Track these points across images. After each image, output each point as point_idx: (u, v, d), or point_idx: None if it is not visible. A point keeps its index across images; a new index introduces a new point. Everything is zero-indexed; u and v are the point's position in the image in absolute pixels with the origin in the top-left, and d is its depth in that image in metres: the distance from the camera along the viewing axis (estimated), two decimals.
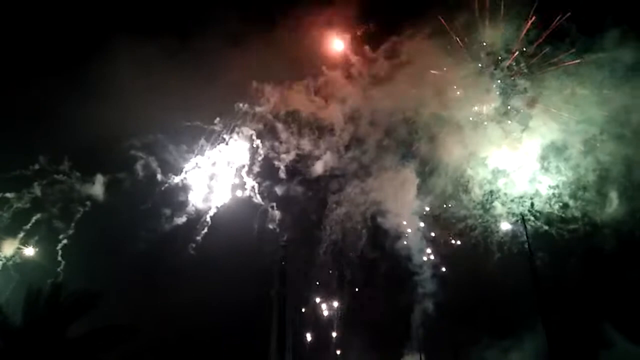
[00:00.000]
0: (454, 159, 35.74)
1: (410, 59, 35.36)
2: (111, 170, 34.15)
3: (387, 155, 37.02)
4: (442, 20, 35.35)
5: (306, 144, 37.06)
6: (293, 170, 37.06)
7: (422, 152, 36.55)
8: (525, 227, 19.94)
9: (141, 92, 34.50)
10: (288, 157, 37.00)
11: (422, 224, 37.41)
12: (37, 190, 33.03)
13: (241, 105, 36.53)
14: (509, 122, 34.81)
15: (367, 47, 36.58)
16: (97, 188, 33.68)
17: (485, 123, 35.27)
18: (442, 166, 36.05)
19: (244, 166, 36.61)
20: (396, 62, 35.67)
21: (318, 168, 36.90)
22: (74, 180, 33.64)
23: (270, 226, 35.97)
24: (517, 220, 25.26)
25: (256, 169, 36.90)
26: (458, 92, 36.31)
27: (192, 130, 35.59)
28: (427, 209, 37.64)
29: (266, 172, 36.92)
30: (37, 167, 33.21)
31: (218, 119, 36.31)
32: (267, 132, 37.19)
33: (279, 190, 36.89)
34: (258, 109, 36.73)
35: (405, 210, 37.26)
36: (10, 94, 33.78)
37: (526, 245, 31.10)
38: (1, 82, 33.43)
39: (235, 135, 36.74)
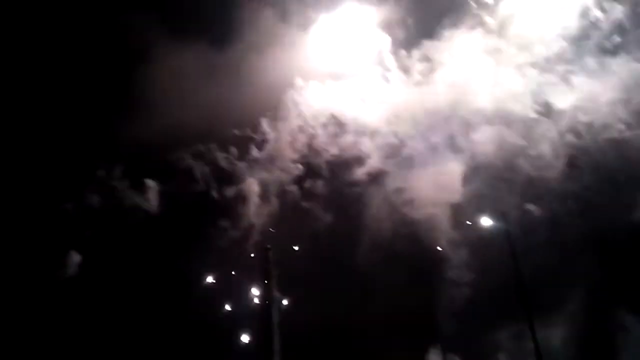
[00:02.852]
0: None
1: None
2: (163, 180, 35.03)
3: (428, 149, 37.32)
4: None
5: (347, 143, 37.55)
6: (335, 170, 37.68)
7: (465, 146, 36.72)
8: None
9: (184, 101, 34.96)
10: (329, 156, 37.58)
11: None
12: (93, 201, 34.03)
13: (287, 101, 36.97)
14: None
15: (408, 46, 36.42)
16: (151, 198, 34.58)
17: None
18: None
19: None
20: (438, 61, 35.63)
21: (359, 167, 37.38)
22: (128, 191, 34.59)
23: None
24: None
25: (299, 167, 37.67)
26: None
27: (240, 138, 36.09)
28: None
29: (308, 171, 37.65)
30: (91, 177, 34.20)
31: (264, 120, 36.90)
32: (309, 131, 37.68)
33: (320, 189, 37.77)
34: (301, 108, 37.06)
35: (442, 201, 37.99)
36: (59, 103, 34.45)
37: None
38: (52, 93, 34.02)
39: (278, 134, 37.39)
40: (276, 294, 35.18)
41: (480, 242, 35.73)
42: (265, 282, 35.25)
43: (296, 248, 35.14)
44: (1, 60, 34.83)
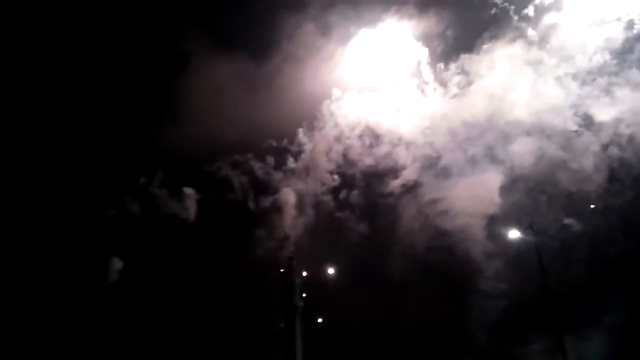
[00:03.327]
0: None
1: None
2: (201, 189, 35.68)
3: (465, 160, 37.17)
4: None
5: (383, 154, 37.65)
6: (370, 180, 37.85)
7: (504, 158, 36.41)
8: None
9: (223, 111, 35.56)
10: (365, 167, 37.74)
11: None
12: (134, 208, 34.85)
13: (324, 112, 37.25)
14: None
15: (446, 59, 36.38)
16: (190, 207, 35.25)
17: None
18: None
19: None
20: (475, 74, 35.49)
21: (394, 178, 37.45)
22: (167, 199, 35.33)
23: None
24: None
25: (334, 178, 37.93)
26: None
27: (277, 148, 36.58)
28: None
29: (343, 182, 37.86)
30: (133, 185, 35.05)
31: (300, 131, 37.23)
32: (345, 141, 37.90)
33: (355, 199, 37.95)
34: (337, 119, 37.35)
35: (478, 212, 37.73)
36: (102, 112, 35.47)
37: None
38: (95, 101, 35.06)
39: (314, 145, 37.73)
40: (299, 302, 35.27)
41: (515, 254, 36.09)
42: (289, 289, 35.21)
43: (331, 271, 34.81)
44: (48, 71, 35.85)
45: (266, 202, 36.75)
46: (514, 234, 26.16)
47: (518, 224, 32.79)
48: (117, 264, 34.11)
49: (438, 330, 35.19)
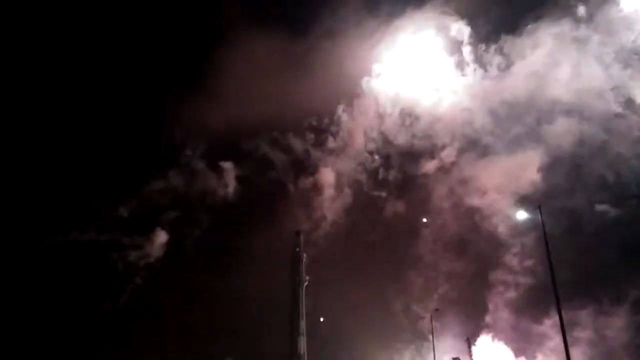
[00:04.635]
0: None
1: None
2: (240, 165, 36.14)
3: (503, 140, 37.04)
4: None
5: (421, 132, 37.66)
6: (408, 159, 37.98)
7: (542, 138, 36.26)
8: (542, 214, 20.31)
9: (262, 87, 35.56)
10: (403, 145, 37.77)
11: None
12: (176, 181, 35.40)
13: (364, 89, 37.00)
14: None
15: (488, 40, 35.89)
16: (229, 183, 35.81)
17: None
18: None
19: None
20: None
21: (432, 156, 37.59)
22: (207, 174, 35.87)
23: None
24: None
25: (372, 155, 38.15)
26: None
27: (316, 126, 36.68)
28: None
29: (381, 159, 38.12)
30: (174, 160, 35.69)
31: (339, 108, 37.18)
32: (383, 119, 37.88)
33: (392, 178, 38.29)
34: (377, 97, 37.19)
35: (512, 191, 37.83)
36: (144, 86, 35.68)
37: None
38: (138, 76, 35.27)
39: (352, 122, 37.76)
40: (305, 276, 36.24)
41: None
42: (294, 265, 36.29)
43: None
44: (89, 45, 35.85)
45: (303, 178, 37.36)
46: (521, 215, 26.69)
47: (552, 203, 33.35)
48: (162, 236, 34.86)
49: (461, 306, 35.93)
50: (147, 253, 34.25)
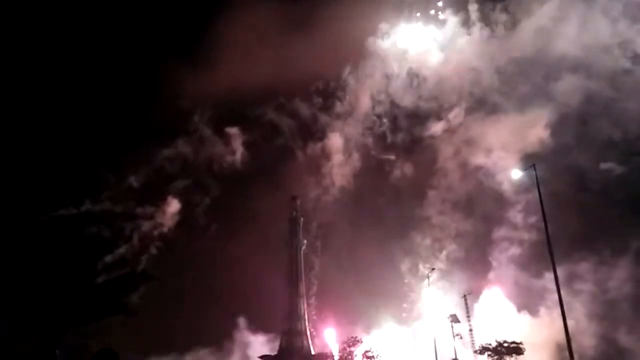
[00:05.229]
0: None
1: None
2: (247, 131, 36.20)
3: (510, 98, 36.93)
4: None
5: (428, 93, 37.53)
6: (415, 120, 37.93)
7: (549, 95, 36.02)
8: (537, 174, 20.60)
9: (264, 53, 35.33)
10: (410, 106, 37.67)
11: None
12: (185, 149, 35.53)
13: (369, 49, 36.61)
14: None
15: None
16: (236, 149, 35.96)
17: None
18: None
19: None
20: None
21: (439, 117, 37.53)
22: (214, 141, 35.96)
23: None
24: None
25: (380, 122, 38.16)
26: None
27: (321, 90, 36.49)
28: None
29: (388, 122, 38.11)
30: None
31: (345, 70, 36.85)
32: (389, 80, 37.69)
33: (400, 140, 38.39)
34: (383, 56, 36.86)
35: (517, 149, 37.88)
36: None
37: None
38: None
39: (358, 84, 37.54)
40: (302, 239, 37.10)
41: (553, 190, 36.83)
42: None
43: None
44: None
45: (311, 143, 37.57)
46: (516, 174, 27.16)
47: (558, 161, 33.89)
48: (174, 204, 35.20)
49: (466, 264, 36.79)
50: (160, 222, 34.73)
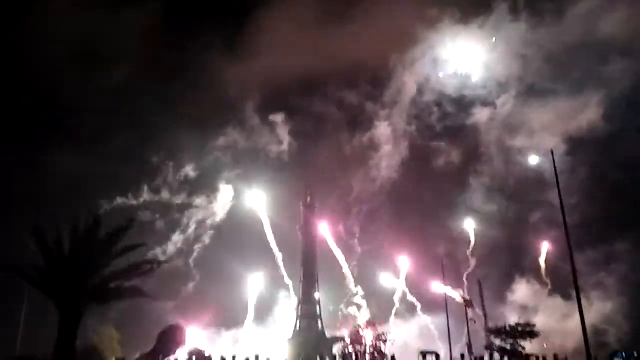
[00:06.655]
0: None
1: None
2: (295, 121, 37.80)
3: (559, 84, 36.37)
4: None
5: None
6: (461, 108, 38.25)
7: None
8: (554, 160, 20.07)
9: (312, 44, 36.38)
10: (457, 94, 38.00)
11: None
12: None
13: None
14: None
15: None
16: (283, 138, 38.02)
17: None
18: None
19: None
20: None
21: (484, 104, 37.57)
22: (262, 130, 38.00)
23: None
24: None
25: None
26: None
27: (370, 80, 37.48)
28: None
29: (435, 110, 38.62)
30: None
31: (393, 58, 36.92)
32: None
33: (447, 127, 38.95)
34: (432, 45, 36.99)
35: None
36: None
37: None
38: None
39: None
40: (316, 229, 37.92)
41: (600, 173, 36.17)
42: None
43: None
44: None
45: (359, 132, 38.63)
46: (533, 159, 27.17)
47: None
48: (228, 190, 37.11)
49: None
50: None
